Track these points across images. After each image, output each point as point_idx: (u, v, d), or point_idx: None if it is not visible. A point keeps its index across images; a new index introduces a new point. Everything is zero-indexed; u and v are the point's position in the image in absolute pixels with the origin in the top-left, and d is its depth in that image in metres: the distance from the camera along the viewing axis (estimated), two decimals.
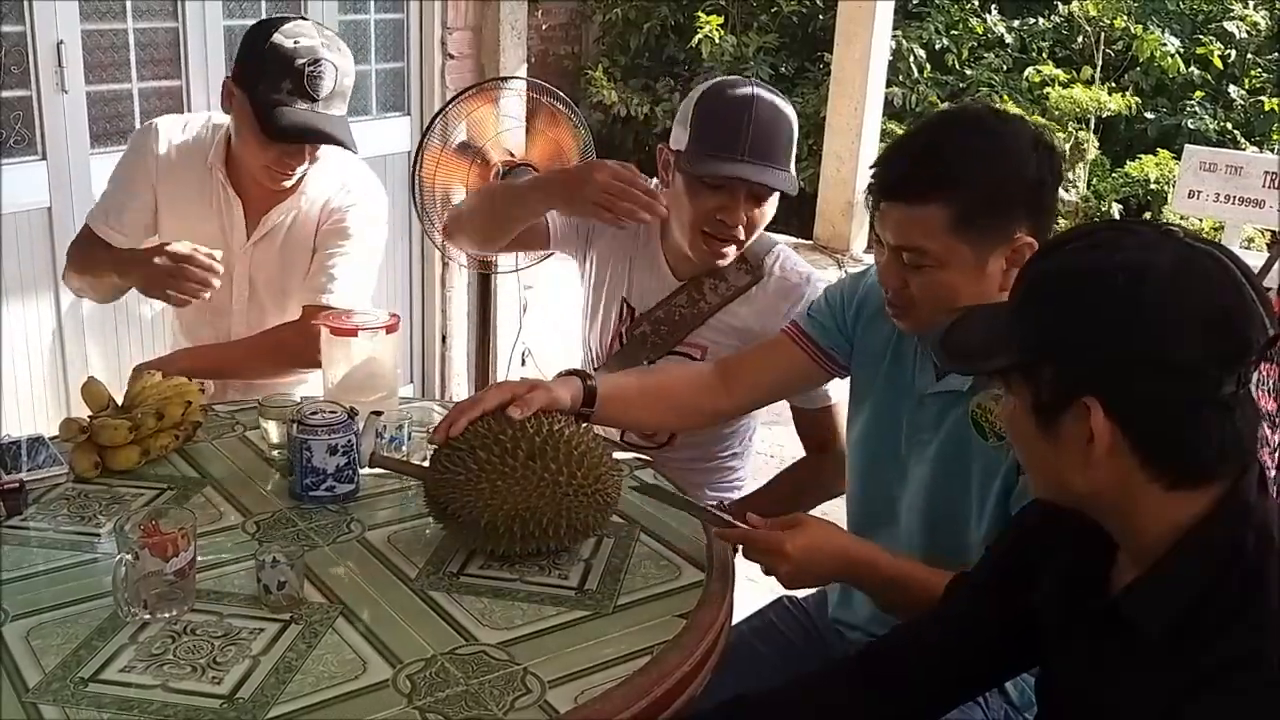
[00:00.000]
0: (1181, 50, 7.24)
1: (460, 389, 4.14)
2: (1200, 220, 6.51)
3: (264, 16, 3.43)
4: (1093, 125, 7.01)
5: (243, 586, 1.40)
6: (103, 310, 2.88)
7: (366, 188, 2.22)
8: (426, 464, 1.54)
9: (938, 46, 7.57)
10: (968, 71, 7.63)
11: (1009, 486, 1.54)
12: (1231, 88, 7.42)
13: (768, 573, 1.47)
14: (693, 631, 1.35)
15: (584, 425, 1.53)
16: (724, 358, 1.91)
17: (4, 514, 1.54)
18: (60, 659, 1.24)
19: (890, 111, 7.06)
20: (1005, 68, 7.60)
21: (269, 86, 1.98)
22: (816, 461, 2.10)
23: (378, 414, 1.72)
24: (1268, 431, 2.48)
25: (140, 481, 1.68)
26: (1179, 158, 6.22)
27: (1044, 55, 7.66)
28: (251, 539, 1.52)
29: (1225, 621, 0.99)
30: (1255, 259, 5.37)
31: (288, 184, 2.12)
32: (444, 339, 4.14)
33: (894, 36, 6.95)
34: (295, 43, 1.99)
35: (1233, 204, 5.90)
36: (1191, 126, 7.06)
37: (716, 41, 7.43)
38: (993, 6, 7.85)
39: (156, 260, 1.97)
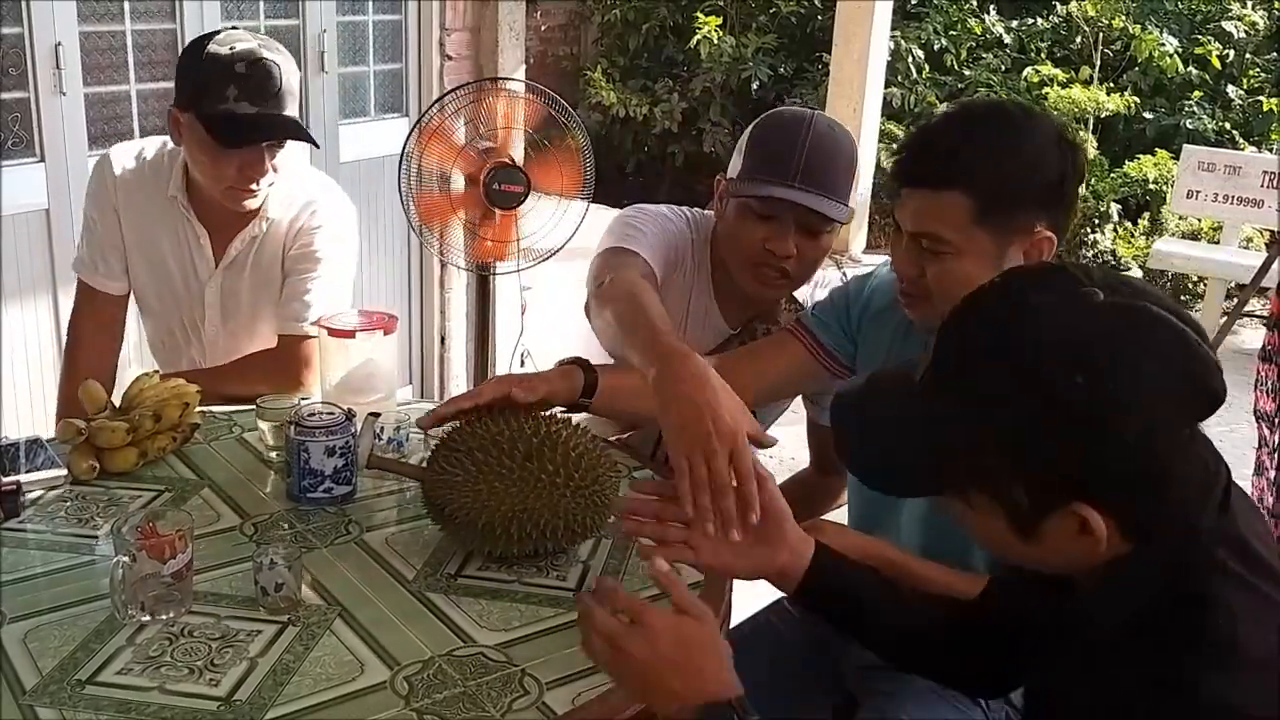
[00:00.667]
0: (1180, 50, 7.25)
1: (459, 390, 4.13)
2: (1199, 220, 6.52)
3: (262, 18, 3.44)
4: (1091, 125, 7.01)
5: (240, 588, 1.40)
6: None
7: (331, 205, 2.15)
8: (424, 466, 1.54)
9: (936, 47, 7.58)
10: (966, 72, 7.64)
11: None
12: (1230, 88, 7.43)
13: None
14: None
15: (581, 426, 1.52)
16: (726, 356, 1.88)
17: (1, 516, 1.54)
18: (58, 661, 1.24)
19: (889, 112, 7.07)
20: (1004, 68, 7.60)
21: (214, 97, 1.92)
22: (814, 480, 2.09)
23: (375, 415, 1.72)
24: (1267, 432, 2.48)
25: (138, 483, 1.68)
26: (1177, 158, 6.23)
27: (1042, 55, 7.67)
28: (249, 541, 1.52)
29: (1163, 638, 0.97)
30: (1254, 259, 5.38)
31: (253, 204, 2.05)
32: (443, 340, 4.14)
33: (892, 37, 6.96)
34: (232, 48, 1.93)
35: (1231, 204, 5.90)
36: (1190, 126, 7.06)
37: (715, 42, 7.44)
38: (991, 7, 7.86)
39: None
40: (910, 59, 7.45)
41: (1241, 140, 7.09)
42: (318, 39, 3.58)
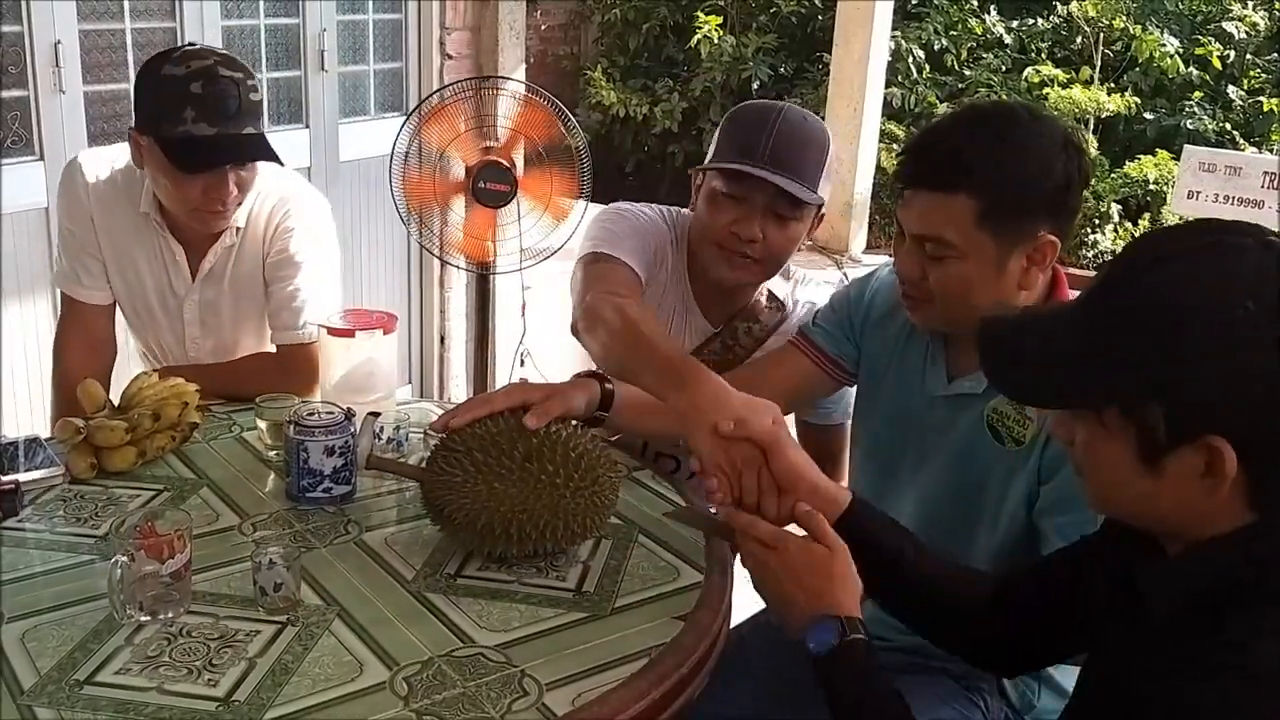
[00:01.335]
0: (1180, 51, 7.24)
1: (459, 389, 4.13)
2: None
3: (262, 16, 3.44)
4: (1091, 126, 7.00)
5: (239, 588, 1.39)
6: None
7: (304, 206, 2.10)
8: (423, 466, 1.53)
9: (937, 47, 7.56)
10: (967, 72, 7.63)
11: (1030, 493, 1.53)
12: (1230, 88, 7.42)
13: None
14: (691, 633, 1.35)
15: (580, 426, 1.52)
16: (733, 372, 1.88)
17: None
18: (56, 661, 1.24)
19: (889, 112, 7.06)
20: (1004, 68, 7.59)
21: (172, 120, 1.85)
22: None
23: (375, 415, 1.72)
24: None
25: (137, 482, 1.67)
26: (1178, 158, 6.21)
27: (1043, 56, 7.66)
28: (248, 540, 1.52)
29: (1235, 605, 0.98)
30: None
31: (222, 224, 2.01)
32: (442, 339, 4.14)
33: (893, 37, 6.95)
34: (187, 67, 1.86)
35: (1232, 204, 5.89)
36: (1190, 127, 7.05)
37: (715, 42, 7.43)
38: (992, 7, 7.85)
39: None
40: (911, 59, 7.44)
41: (1242, 141, 7.08)
42: (318, 38, 3.57)
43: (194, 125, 1.84)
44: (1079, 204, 1.54)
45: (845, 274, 6.07)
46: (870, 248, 6.75)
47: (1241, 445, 0.96)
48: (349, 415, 1.63)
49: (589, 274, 1.84)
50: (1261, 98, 7.26)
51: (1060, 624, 1.28)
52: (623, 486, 1.57)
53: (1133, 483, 1.02)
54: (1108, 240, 6.64)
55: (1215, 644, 0.97)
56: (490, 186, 2.78)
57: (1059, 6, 7.72)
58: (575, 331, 1.80)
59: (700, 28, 7.45)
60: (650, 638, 1.33)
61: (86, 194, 2.06)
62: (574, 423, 1.53)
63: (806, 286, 2.06)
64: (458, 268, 3.63)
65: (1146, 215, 6.76)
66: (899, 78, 7.35)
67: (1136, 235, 6.55)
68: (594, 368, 1.74)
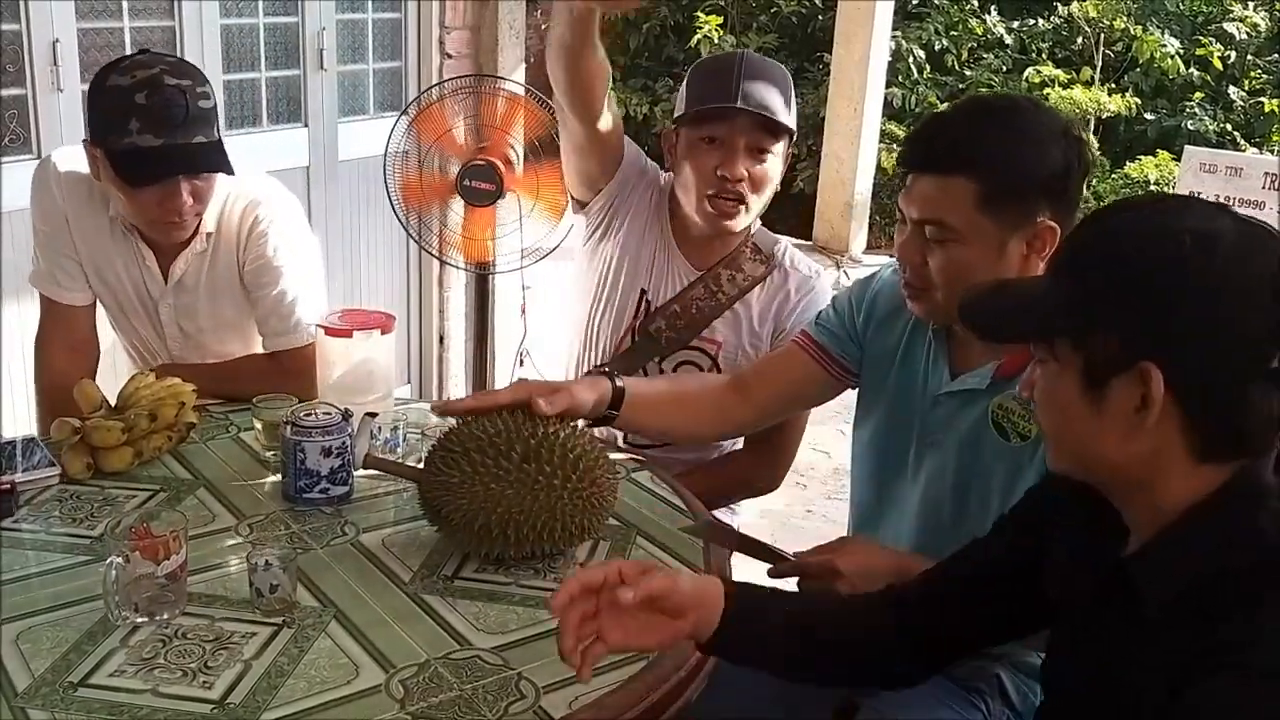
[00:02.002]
0: (1181, 51, 7.24)
1: (458, 389, 4.13)
2: None
3: (261, 15, 3.43)
4: (1092, 126, 7.00)
5: (235, 590, 1.39)
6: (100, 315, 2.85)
7: (275, 209, 2.05)
8: (421, 466, 1.53)
9: (937, 47, 7.56)
10: (967, 72, 7.63)
11: None
12: (1231, 89, 7.42)
13: None
14: None
15: (578, 427, 1.51)
16: (738, 372, 1.91)
17: None
18: (50, 663, 1.23)
19: (889, 112, 7.06)
20: (1005, 68, 7.59)
21: (118, 132, 1.80)
22: (753, 457, 2.11)
23: (372, 415, 1.71)
24: None
25: (133, 483, 1.67)
26: (1179, 159, 6.20)
27: (1044, 56, 7.66)
28: (244, 541, 1.51)
29: (1231, 602, 0.98)
30: None
31: (183, 234, 1.98)
32: (441, 339, 4.13)
33: (893, 37, 6.95)
34: (132, 77, 1.80)
35: (1233, 205, 5.86)
36: (1191, 128, 7.05)
37: (716, 41, 7.42)
38: (992, 7, 7.85)
39: None
40: (911, 59, 7.44)
41: (1243, 142, 7.08)
42: (317, 36, 3.56)
43: (139, 136, 1.79)
44: (1079, 193, 1.56)
45: (845, 273, 6.07)
46: (870, 248, 6.74)
47: (1172, 374, 0.99)
48: (346, 416, 1.62)
49: None
50: (1262, 98, 7.26)
51: (1009, 600, 1.27)
52: (621, 488, 1.57)
53: (1078, 419, 1.06)
54: None
55: (1216, 643, 0.96)
56: (476, 185, 2.78)
57: (1060, 7, 7.72)
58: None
59: (700, 27, 7.45)
60: None
61: (60, 193, 2.03)
62: (578, 423, 1.53)
63: (798, 257, 2.11)
64: (456, 267, 3.62)
65: None
66: (899, 78, 7.35)
67: None
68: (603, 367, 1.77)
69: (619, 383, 1.68)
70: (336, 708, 1.18)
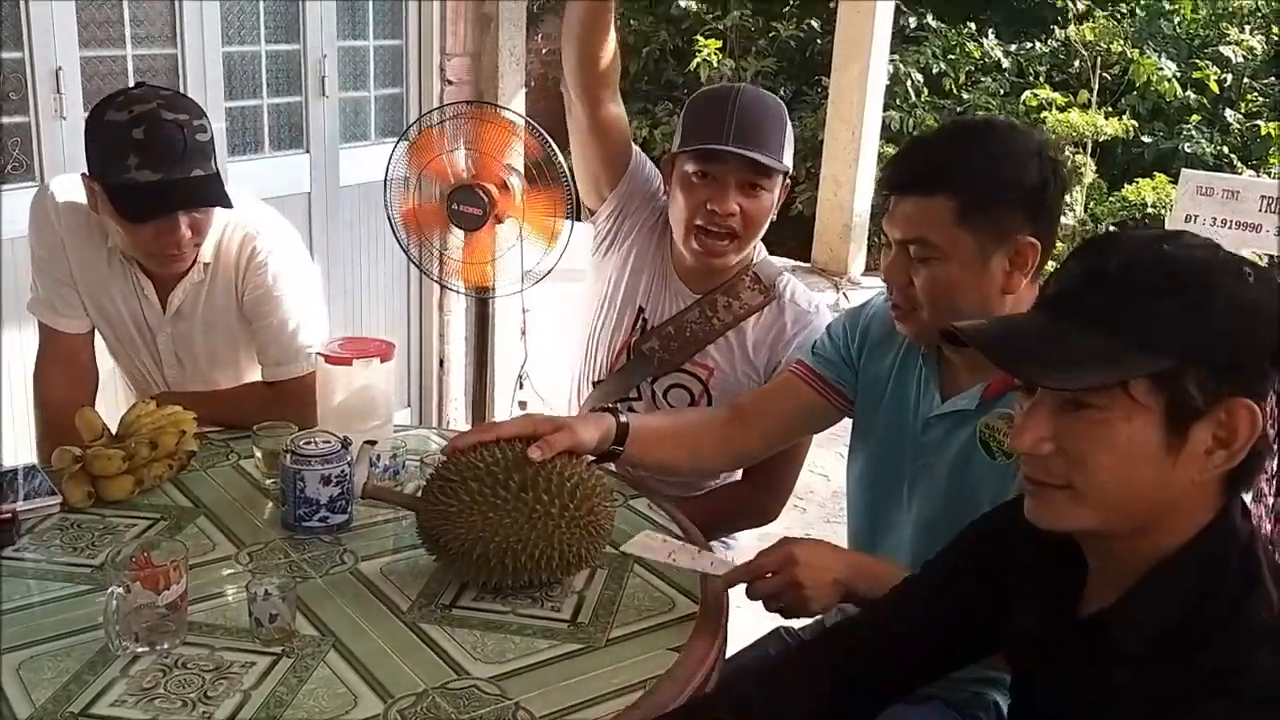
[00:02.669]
0: (1178, 74, 7.28)
1: (458, 414, 4.13)
2: None
3: (263, 43, 3.46)
4: (1090, 149, 7.03)
5: (235, 619, 1.39)
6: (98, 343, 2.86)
7: (272, 239, 2.06)
8: (420, 495, 1.53)
9: (935, 71, 7.61)
10: (965, 95, 7.67)
11: None
12: (1228, 112, 7.46)
13: (780, 610, 1.46)
14: (686, 664, 1.35)
15: (576, 456, 1.52)
16: (736, 402, 1.89)
17: None
18: (51, 692, 1.24)
19: (888, 135, 7.09)
20: (1002, 92, 7.63)
21: (116, 167, 1.81)
22: (751, 487, 2.11)
23: (371, 443, 1.72)
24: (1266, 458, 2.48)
25: (134, 511, 1.68)
26: (1176, 181, 6.23)
27: (1041, 79, 7.71)
28: (244, 570, 1.52)
29: (1209, 633, 0.98)
30: None
31: (182, 266, 1.99)
32: (441, 364, 4.14)
33: (891, 61, 6.98)
34: (130, 112, 1.81)
35: (1229, 228, 5.90)
36: (1188, 150, 7.09)
37: (715, 65, 7.47)
38: (990, 31, 7.90)
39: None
40: (909, 82, 7.48)
41: (1240, 164, 7.11)
42: (319, 63, 3.59)
43: (137, 172, 1.80)
44: (1058, 209, 1.59)
45: (843, 295, 6.08)
46: (869, 270, 6.76)
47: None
48: (345, 444, 1.63)
49: None
50: (1259, 121, 7.30)
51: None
52: (618, 516, 1.57)
53: (1149, 465, 0.98)
54: None
55: (1209, 672, 0.96)
56: (463, 209, 2.79)
57: (1057, 30, 7.77)
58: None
59: (700, 51, 7.49)
60: (645, 669, 1.33)
61: (57, 222, 2.04)
62: (583, 457, 1.53)
63: (800, 292, 2.10)
64: (456, 292, 3.64)
65: None
66: (897, 101, 7.39)
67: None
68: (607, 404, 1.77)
69: (623, 418, 1.68)
70: None
